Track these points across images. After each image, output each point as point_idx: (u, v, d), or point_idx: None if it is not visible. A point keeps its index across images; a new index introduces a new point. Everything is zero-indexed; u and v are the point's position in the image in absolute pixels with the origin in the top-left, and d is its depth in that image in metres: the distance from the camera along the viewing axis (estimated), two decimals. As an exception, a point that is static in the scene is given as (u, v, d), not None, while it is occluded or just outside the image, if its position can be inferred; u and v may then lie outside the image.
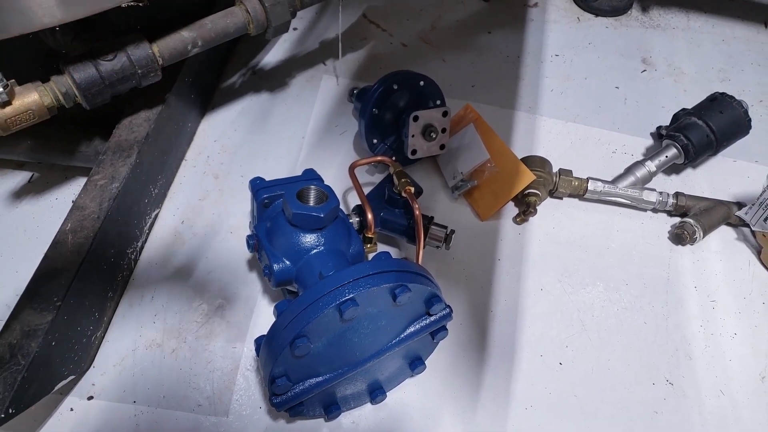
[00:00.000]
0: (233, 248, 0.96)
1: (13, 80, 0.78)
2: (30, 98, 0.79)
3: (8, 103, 0.77)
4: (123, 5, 0.77)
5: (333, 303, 0.63)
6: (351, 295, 0.63)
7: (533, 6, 1.42)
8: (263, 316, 0.88)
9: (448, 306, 0.73)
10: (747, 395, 0.83)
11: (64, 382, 0.77)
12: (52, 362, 0.73)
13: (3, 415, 0.65)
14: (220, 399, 0.81)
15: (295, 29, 1.32)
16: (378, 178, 1.06)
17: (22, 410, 0.68)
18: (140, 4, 0.79)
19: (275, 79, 1.23)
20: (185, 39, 0.90)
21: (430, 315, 0.73)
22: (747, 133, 1.05)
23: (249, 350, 0.85)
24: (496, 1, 1.42)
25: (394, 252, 0.97)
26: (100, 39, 0.88)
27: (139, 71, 0.86)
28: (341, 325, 0.66)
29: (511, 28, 1.36)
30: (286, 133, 1.13)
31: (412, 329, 0.73)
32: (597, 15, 1.40)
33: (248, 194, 0.91)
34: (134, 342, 0.86)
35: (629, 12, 1.41)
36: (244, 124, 1.14)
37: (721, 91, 1.06)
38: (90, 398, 0.80)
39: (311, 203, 0.81)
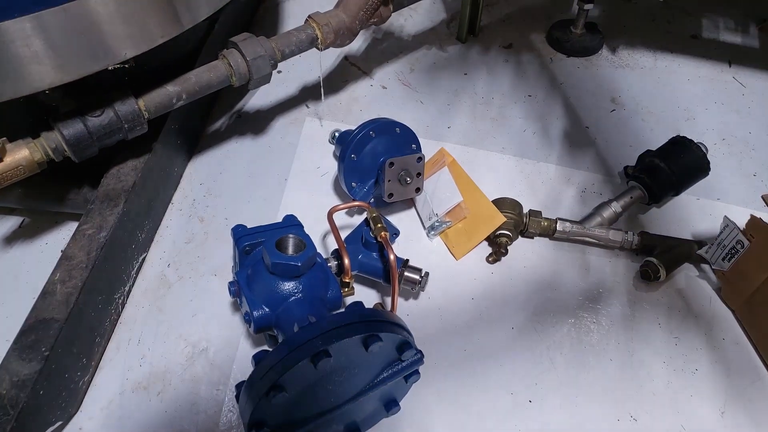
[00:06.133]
0: (217, 291, 0.99)
1: (5, 138, 0.82)
2: (21, 154, 0.83)
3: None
4: (110, 68, 0.82)
5: (307, 355, 0.66)
6: (324, 347, 0.67)
7: (507, 47, 1.48)
8: (246, 359, 0.92)
9: (419, 351, 0.77)
10: (707, 430, 0.87)
11: (52, 428, 0.80)
12: (40, 410, 0.76)
13: (-8, 465, 0.68)
14: (203, 441, 0.84)
15: (279, 72, 1.37)
16: (358, 220, 1.10)
17: (11, 459, 0.71)
18: (126, 66, 0.84)
19: (260, 122, 1.27)
20: (170, 93, 0.95)
21: (402, 361, 0.77)
22: (707, 174, 1.10)
23: (232, 392, 0.88)
24: (473, 42, 1.49)
25: (372, 293, 1.01)
26: (88, 94, 0.92)
27: (126, 125, 0.91)
28: (316, 374, 0.69)
29: (487, 68, 1.42)
30: (270, 174, 1.18)
31: (385, 374, 0.77)
32: (569, 55, 1.46)
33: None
34: (121, 385, 0.89)
35: (600, 52, 1.48)
36: (230, 167, 1.18)
37: (681, 135, 1.11)
38: (77, 442, 0.83)
39: (290, 252, 0.85)
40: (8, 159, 0.82)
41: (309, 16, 1.09)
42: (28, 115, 0.93)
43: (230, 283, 0.88)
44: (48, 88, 0.79)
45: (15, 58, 0.74)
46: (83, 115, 0.87)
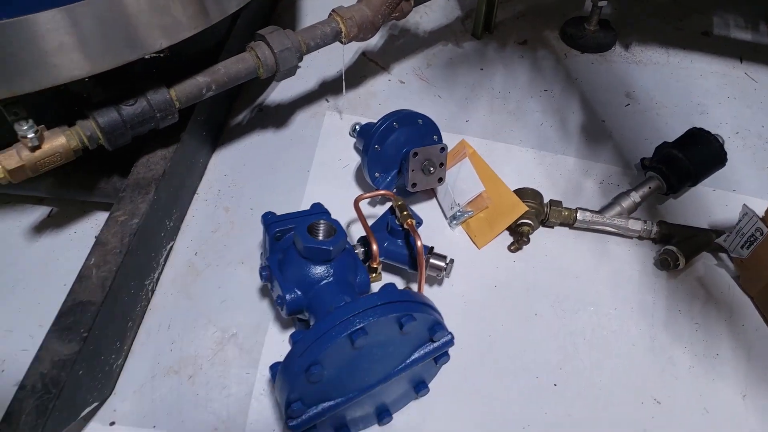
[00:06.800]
0: (244, 278, 1.01)
1: (43, 126, 0.84)
2: (58, 142, 0.85)
3: (38, 147, 0.83)
4: (145, 57, 0.84)
5: (345, 332, 0.68)
6: (361, 325, 0.69)
7: (522, 43, 1.50)
8: (274, 343, 0.94)
9: (450, 333, 0.79)
10: (729, 413, 0.89)
11: (88, 408, 0.81)
12: (78, 390, 0.78)
13: (35, 442, 0.70)
14: (235, 423, 0.85)
15: (299, 67, 1.39)
16: (379, 209, 1.12)
17: (53, 436, 0.73)
18: (161, 56, 0.85)
19: (281, 115, 1.29)
20: (200, 84, 0.97)
21: (434, 341, 0.78)
22: (723, 165, 1.12)
23: (262, 375, 0.90)
24: (488, 38, 1.51)
25: (397, 279, 1.03)
26: (121, 84, 0.94)
27: (158, 114, 0.93)
28: (352, 353, 0.71)
29: (502, 64, 1.44)
30: (292, 166, 1.19)
31: (416, 355, 0.78)
32: (583, 51, 1.48)
33: (257, 226, 0.97)
34: (152, 369, 0.91)
35: (613, 48, 1.50)
36: (253, 159, 1.20)
37: (698, 127, 1.13)
38: (112, 424, 0.85)
39: (321, 237, 0.87)
40: (46, 146, 0.84)
41: (333, 10, 1.11)
42: (59, 105, 0.95)
43: (261, 268, 0.89)
44: (84, 77, 0.81)
45: (53, 48, 0.75)
46: (117, 104, 0.89)
